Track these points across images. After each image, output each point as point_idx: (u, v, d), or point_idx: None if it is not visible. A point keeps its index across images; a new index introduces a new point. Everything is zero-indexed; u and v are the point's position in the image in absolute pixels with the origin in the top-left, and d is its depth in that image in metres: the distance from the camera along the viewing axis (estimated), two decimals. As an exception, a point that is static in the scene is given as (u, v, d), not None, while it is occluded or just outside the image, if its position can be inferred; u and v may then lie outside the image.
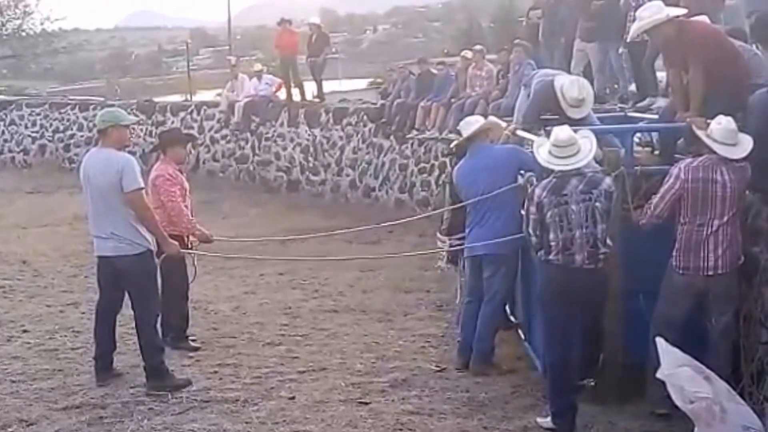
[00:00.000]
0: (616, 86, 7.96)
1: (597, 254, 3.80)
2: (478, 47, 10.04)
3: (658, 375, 3.37)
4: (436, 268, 5.86)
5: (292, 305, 6.33)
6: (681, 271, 3.84)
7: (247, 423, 4.08)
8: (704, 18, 4.76)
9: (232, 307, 6.32)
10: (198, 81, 22.48)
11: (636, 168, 4.21)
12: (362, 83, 21.82)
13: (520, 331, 5.10)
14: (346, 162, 11.41)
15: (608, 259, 3.86)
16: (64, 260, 7.81)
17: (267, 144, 12.54)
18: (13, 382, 4.67)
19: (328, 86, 13.69)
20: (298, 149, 12.12)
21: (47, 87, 24.49)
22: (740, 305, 3.87)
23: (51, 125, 15.10)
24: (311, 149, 11.93)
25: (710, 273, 3.78)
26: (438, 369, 4.78)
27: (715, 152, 3.76)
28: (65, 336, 5.49)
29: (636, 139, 4.71)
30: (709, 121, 3.86)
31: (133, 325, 4.64)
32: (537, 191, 3.87)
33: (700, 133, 3.83)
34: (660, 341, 3.46)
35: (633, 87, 7.90)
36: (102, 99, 15.97)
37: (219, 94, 14.58)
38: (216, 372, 4.80)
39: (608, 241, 3.84)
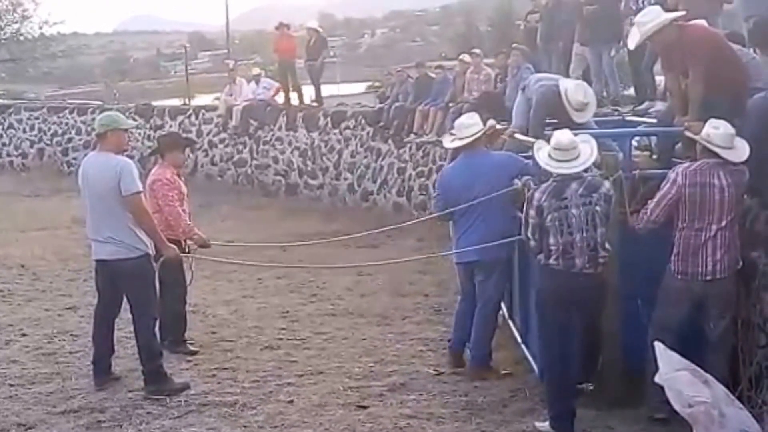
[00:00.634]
0: (604, 92, 7.97)
1: (597, 258, 3.80)
2: (476, 51, 10.07)
3: (657, 379, 3.37)
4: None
5: (290, 309, 6.33)
6: (679, 276, 3.84)
7: (245, 427, 4.07)
8: (702, 22, 4.78)
9: (231, 310, 6.31)
10: (196, 85, 22.52)
11: (634, 172, 4.22)
12: (360, 87, 21.86)
13: (517, 335, 5.10)
14: (345, 166, 11.42)
15: (607, 263, 3.87)
16: (63, 264, 7.80)
17: (265, 148, 12.55)
18: (12, 385, 4.66)
19: (327, 90, 13.70)
20: (296, 153, 12.13)
21: (45, 91, 24.49)
22: (738, 310, 3.88)
23: (49, 129, 15.10)
24: (309, 153, 11.94)
25: (708, 278, 3.78)
26: (436, 373, 4.77)
27: (713, 155, 3.76)
28: (63, 340, 5.48)
29: (634, 143, 4.72)
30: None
31: (132, 329, 4.63)
32: (536, 195, 3.87)
33: (697, 137, 3.84)
34: (658, 345, 3.47)
35: (632, 91, 7.92)
36: (100, 103, 15.99)
37: (217, 98, 14.59)
38: (214, 376, 4.80)
39: (607, 245, 3.85)
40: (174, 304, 5.17)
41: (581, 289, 3.80)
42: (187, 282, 5.21)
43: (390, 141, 10.65)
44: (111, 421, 4.15)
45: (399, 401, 4.35)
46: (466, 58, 9.87)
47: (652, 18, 4.31)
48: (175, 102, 17.64)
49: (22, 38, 21.54)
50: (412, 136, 10.27)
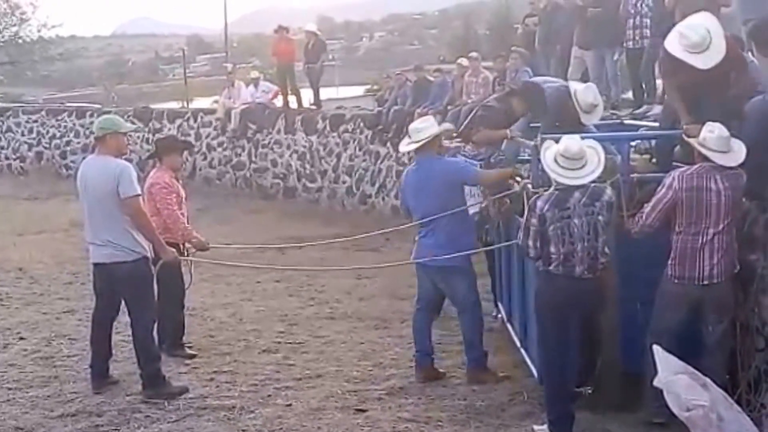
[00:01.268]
0: (604, 96, 7.98)
1: (596, 265, 3.79)
2: (473, 54, 10.08)
3: (655, 383, 3.37)
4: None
5: (288, 312, 6.32)
6: (676, 280, 3.84)
7: (243, 430, 4.07)
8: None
9: (229, 314, 6.31)
10: (195, 88, 22.53)
11: (632, 176, 4.22)
12: (359, 90, 21.88)
13: (516, 339, 5.10)
14: (343, 169, 11.42)
15: (606, 267, 3.86)
16: (61, 267, 7.78)
17: (264, 151, 12.55)
18: (9, 389, 4.65)
19: (325, 93, 13.71)
20: (295, 156, 12.13)
21: (44, 94, 24.49)
22: (737, 313, 3.88)
23: (48, 132, 15.08)
24: (308, 156, 11.94)
25: (705, 282, 3.78)
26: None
27: (708, 159, 3.77)
28: (61, 343, 5.47)
29: (633, 146, 4.72)
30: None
31: (130, 332, 4.62)
32: (539, 204, 3.81)
33: (692, 140, 3.84)
34: (657, 349, 3.46)
35: (630, 94, 7.93)
36: (99, 106, 15.97)
37: (216, 101, 14.61)
38: (212, 379, 4.79)
39: (606, 251, 3.84)
40: (172, 307, 5.16)
41: (579, 293, 3.80)
42: (186, 285, 5.20)
43: (388, 144, 10.66)
44: (109, 425, 4.14)
45: (397, 405, 4.35)
46: (464, 62, 9.89)
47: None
48: (174, 105, 17.64)
49: (20, 41, 21.55)
50: (410, 139, 10.26)
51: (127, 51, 56.43)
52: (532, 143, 4.58)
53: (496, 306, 5.79)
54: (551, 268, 3.81)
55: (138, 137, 13.20)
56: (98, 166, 4.46)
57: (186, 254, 5.16)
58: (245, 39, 44.87)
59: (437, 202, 4.54)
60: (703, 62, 3.97)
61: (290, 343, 5.53)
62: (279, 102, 12.52)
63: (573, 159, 3.75)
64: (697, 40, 3.97)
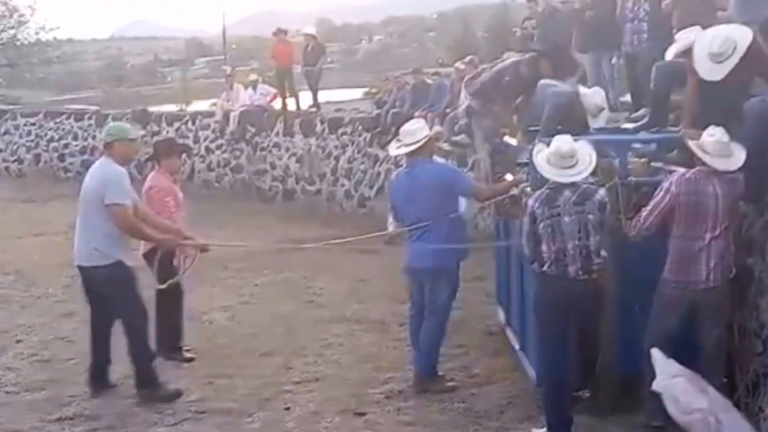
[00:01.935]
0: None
1: (590, 265, 3.80)
2: (468, 58, 10.09)
3: (654, 386, 3.37)
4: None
5: (287, 315, 6.31)
6: (673, 284, 3.84)
7: (241, 434, 4.07)
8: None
9: (227, 317, 6.30)
10: (193, 91, 22.52)
11: (629, 179, 4.22)
12: (357, 93, 21.85)
13: (515, 342, 5.09)
14: (342, 172, 11.42)
15: (602, 270, 3.87)
16: (59, 270, 7.75)
17: (262, 154, 12.55)
18: (6, 393, 4.65)
19: (324, 96, 13.70)
20: (294, 159, 12.13)
21: (42, 96, 24.45)
22: (734, 317, 3.88)
23: (46, 135, 15.07)
24: (306, 159, 11.95)
25: (702, 286, 3.78)
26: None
27: (707, 164, 3.77)
28: (59, 346, 5.47)
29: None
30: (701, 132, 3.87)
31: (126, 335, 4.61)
32: (530, 202, 3.87)
33: (691, 144, 3.85)
34: (655, 352, 3.47)
35: (628, 97, 7.93)
36: (97, 108, 15.94)
37: (214, 104, 14.59)
38: (211, 383, 4.78)
39: (602, 252, 3.85)
40: (170, 310, 5.15)
41: (576, 295, 3.80)
42: (178, 279, 5.15)
43: (387, 147, 10.65)
44: (106, 429, 4.15)
45: (397, 408, 4.35)
46: (461, 66, 9.90)
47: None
48: (172, 108, 17.61)
49: (18, 44, 21.53)
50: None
51: (125, 54, 56.36)
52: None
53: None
54: (545, 268, 3.82)
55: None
56: (96, 170, 4.50)
57: (185, 255, 5.14)
58: (244, 42, 44.82)
59: (430, 208, 4.51)
60: (710, 73, 3.95)
61: (289, 346, 5.52)
62: (278, 105, 12.53)
63: (564, 157, 3.79)
64: (717, 50, 3.89)
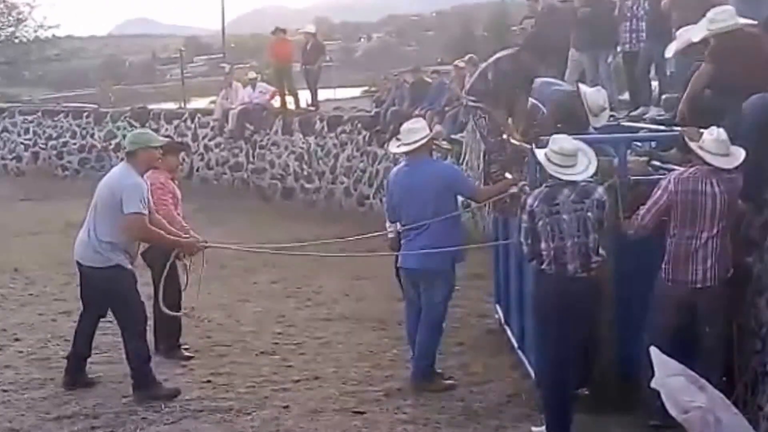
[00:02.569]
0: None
1: (589, 263, 3.80)
2: (468, 56, 10.08)
3: (652, 384, 3.36)
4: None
5: (285, 314, 6.31)
6: (670, 283, 3.84)
7: (240, 432, 4.06)
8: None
9: (225, 315, 6.29)
10: (192, 89, 22.50)
11: (629, 177, 4.22)
12: (356, 91, 21.87)
13: (514, 341, 5.09)
14: (341, 170, 11.41)
15: (601, 268, 3.87)
16: (57, 268, 7.74)
17: (261, 152, 12.54)
18: (5, 391, 4.64)
19: (323, 94, 13.71)
20: (293, 157, 12.12)
21: (40, 94, 24.40)
22: (733, 315, 3.88)
23: (44, 133, 15.03)
24: (305, 157, 11.94)
25: (698, 286, 3.78)
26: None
27: (706, 163, 3.77)
28: (57, 345, 5.44)
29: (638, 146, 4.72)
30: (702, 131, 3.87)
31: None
32: (529, 200, 3.87)
33: (691, 143, 3.85)
34: (654, 351, 3.46)
35: (626, 95, 7.93)
36: (95, 106, 15.91)
37: (213, 102, 14.59)
38: (209, 381, 4.78)
39: (601, 251, 3.85)
40: (169, 308, 5.13)
41: (575, 294, 3.80)
42: (183, 287, 5.18)
43: (386, 145, 10.66)
44: (105, 427, 4.14)
45: (395, 406, 4.35)
46: (461, 63, 9.89)
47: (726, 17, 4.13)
48: (171, 106, 17.59)
49: (17, 41, 21.48)
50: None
51: (124, 51, 56.22)
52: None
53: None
54: (544, 267, 3.82)
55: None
56: (115, 177, 4.50)
57: (183, 256, 5.14)
58: (243, 40, 44.76)
59: (429, 207, 4.49)
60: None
61: (287, 344, 5.52)
62: (276, 103, 12.51)
63: (566, 156, 3.79)
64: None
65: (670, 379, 3.34)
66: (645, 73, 7.19)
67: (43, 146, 15.00)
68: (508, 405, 4.33)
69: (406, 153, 4.65)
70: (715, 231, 3.76)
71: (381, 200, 10.75)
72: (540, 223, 3.80)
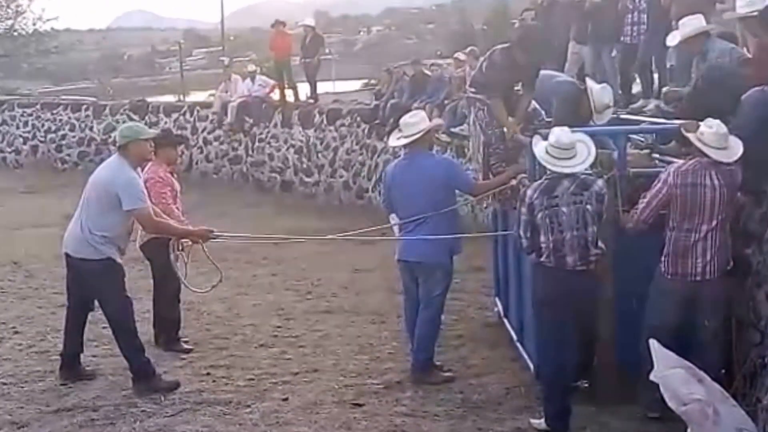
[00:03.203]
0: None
1: (588, 256, 3.80)
2: (468, 49, 10.05)
3: (651, 377, 3.37)
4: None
5: (285, 306, 6.31)
6: (669, 277, 3.84)
7: (240, 425, 4.06)
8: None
9: (225, 308, 6.29)
10: (191, 82, 22.42)
11: (629, 170, 4.21)
12: (356, 84, 21.79)
13: (513, 333, 5.10)
14: (340, 163, 11.40)
15: (601, 260, 3.86)
16: (56, 261, 7.66)
17: (260, 145, 12.52)
18: (4, 384, 4.64)
19: (322, 87, 13.66)
20: (292, 150, 12.10)
21: (39, 87, 24.32)
22: (732, 308, 3.88)
23: (43, 126, 15.01)
24: (305, 150, 11.92)
25: (698, 279, 3.78)
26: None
27: (705, 155, 3.75)
28: (56, 337, 5.42)
29: (640, 141, 4.71)
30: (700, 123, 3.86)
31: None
32: (528, 192, 3.87)
33: (690, 135, 3.84)
34: (653, 343, 3.46)
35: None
36: (94, 99, 15.88)
37: (212, 95, 14.54)
38: (209, 374, 4.78)
39: (600, 244, 3.84)
40: (167, 301, 5.14)
41: (574, 286, 3.80)
42: (182, 279, 5.18)
43: (385, 138, 10.63)
44: (104, 420, 4.13)
45: (395, 399, 4.35)
46: (461, 56, 9.86)
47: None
48: (170, 99, 17.55)
49: (15, 34, 21.39)
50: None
51: (123, 44, 56.00)
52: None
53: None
54: (543, 259, 3.82)
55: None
56: (108, 170, 4.47)
57: (181, 248, 5.14)
58: (242, 33, 44.60)
59: (427, 201, 4.47)
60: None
61: (287, 337, 5.52)
62: (276, 96, 12.48)
63: (563, 149, 3.79)
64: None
65: (670, 371, 3.34)
66: (645, 66, 7.16)
67: (42, 139, 14.99)
68: (507, 397, 4.33)
69: (406, 146, 4.63)
70: (714, 224, 3.75)
71: (380, 193, 10.77)
72: (539, 215, 3.80)
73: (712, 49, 4.69)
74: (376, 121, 10.81)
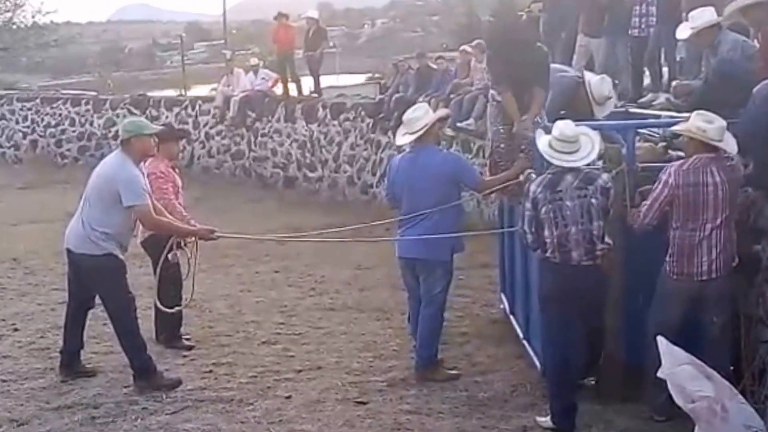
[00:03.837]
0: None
1: (594, 251, 3.75)
2: (476, 42, 9.96)
3: (659, 374, 3.33)
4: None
5: (288, 303, 6.27)
6: (675, 276, 3.79)
7: (242, 423, 4.03)
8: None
9: (228, 305, 6.26)
10: (193, 76, 22.34)
11: (637, 165, 4.15)
12: (360, 78, 21.72)
13: (519, 330, 5.05)
14: (344, 158, 11.33)
15: (607, 256, 3.80)
16: (56, 258, 7.67)
17: (263, 140, 12.46)
18: (4, 381, 4.61)
19: (326, 81, 13.58)
20: (295, 145, 12.04)
21: (38, 81, 24.28)
22: (741, 304, 3.82)
23: (42, 120, 14.95)
24: (308, 145, 11.85)
25: (704, 278, 3.73)
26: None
27: (707, 150, 3.66)
28: (57, 335, 5.38)
29: (652, 135, 4.65)
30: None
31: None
32: (532, 187, 3.83)
33: (692, 132, 3.76)
34: (661, 340, 3.42)
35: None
36: (94, 93, 15.81)
37: (214, 89, 14.48)
38: (211, 371, 4.75)
39: (606, 239, 3.79)
40: (169, 298, 5.09)
41: (580, 282, 3.75)
42: (184, 276, 5.13)
43: (390, 133, 10.56)
44: (105, 417, 4.10)
45: (398, 396, 4.31)
46: (468, 49, 9.77)
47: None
48: (171, 93, 17.48)
49: (14, 27, 21.32)
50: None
51: (123, 37, 55.91)
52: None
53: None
54: (548, 255, 3.78)
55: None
56: (110, 166, 4.42)
57: (184, 244, 5.09)
58: (244, 26, 44.46)
59: (431, 197, 4.41)
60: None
61: (290, 334, 5.48)
62: (279, 90, 12.42)
63: (567, 142, 3.74)
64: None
65: (678, 368, 3.30)
66: (655, 59, 7.08)
67: (42, 134, 14.93)
68: (512, 395, 4.29)
69: (413, 141, 4.55)
70: (718, 221, 3.70)
71: (384, 187, 10.72)
72: (543, 210, 3.76)
73: (725, 41, 4.61)
74: (381, 116, 10.73)
